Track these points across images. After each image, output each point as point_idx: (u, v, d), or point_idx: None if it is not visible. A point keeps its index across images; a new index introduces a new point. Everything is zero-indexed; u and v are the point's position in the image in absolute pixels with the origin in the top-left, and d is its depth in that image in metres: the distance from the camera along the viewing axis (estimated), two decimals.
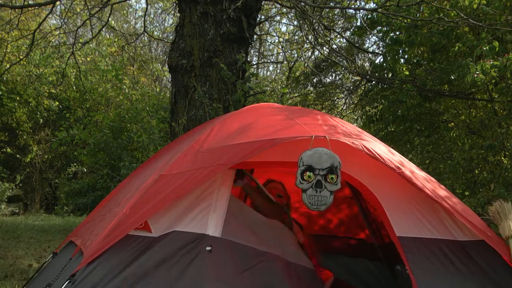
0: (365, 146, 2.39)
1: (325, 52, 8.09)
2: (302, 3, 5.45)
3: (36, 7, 8.33)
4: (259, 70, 13.69)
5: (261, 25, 10.25)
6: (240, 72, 5.13)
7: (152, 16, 13.20)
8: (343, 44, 9.60)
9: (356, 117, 11.12)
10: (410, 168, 2.53)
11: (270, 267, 2.42)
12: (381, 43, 8.20)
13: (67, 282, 2.05)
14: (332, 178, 2.28)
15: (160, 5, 13.13)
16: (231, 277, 2.30)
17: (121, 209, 2.29)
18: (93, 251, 2.12)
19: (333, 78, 10.49)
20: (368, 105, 8.08)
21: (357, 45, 8.58)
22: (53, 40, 10.83)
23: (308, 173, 2.27)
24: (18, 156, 11.92)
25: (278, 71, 14.28)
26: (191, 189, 2.27)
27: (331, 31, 7.75)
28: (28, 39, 8.96)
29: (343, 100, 10.26)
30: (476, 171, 6.10)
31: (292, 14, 9.16)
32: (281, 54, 12.27)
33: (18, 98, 11.33)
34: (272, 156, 2.56)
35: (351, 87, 9.75)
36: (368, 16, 6.60)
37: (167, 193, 2.24)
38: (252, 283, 2.34)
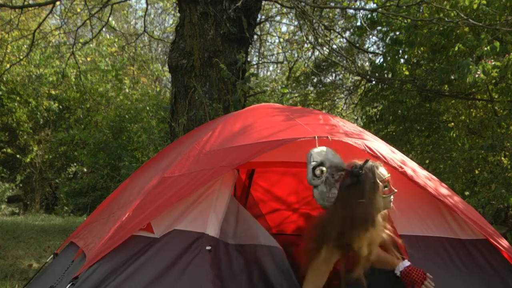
0: (367, 146, 2.40)
1: (325, 52, 8.09)
2: (302, 3, 5.45)
3: (36, 7, 8.33)
4: (259, 70, 13.69)
5: (261, 25, 10.25)
6: (240, 72, 5.13)
7: (152, 16, 13.19)
8: (343, 44, 9.60)
9: (356, 117, 11.12)
10: (412, 167, 2.54)
11: (263, 271, 2.43)
12: (381, 43, 8.22)
13: (69, 285, 2.05)
14: (340, 175, 2.26)
15: (160, 5, 13.13)
16: (228, 279, 2.31)
17: (124, 212, 2.29)
18: (96, 254, 2.13)
19: (333, 78, 10.50)
20: (368, 105, 8.08)
21: (357, 45, 8.58)
22: (53, 40, 10.85)
23: (321, 167, 2.25)
24: (18, 156, 11.91)
25: (278, 71, 14.28)
26: (194, 191, 2.27)
27: (331, 31, 7.76)
28: (28, 39, 8.96)
29: (343, 100, 10.26)
30: (476, 171, 6.11)
31: (292, 14, 9.17)
32: (281, 54, 12.27)
33: (18, 98, 11.32)
34: (273, 156, 2.57)
35: (351, 87, 9.75)
36: (368, 16, 6.60)
37: (170, 195, 2.25)
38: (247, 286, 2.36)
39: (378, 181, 2.23)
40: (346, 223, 2.18)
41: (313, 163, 2.23)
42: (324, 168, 2.22)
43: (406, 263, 2.34)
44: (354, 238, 2.18)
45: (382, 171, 2.27)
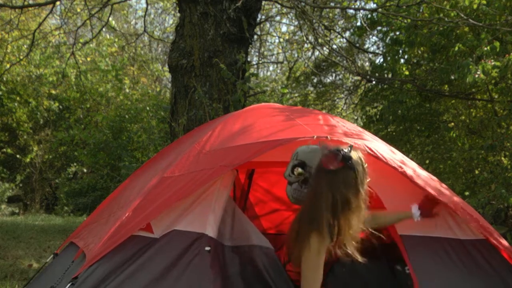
0: (367, 146, 2.40)
1: (325, 52, 8.10)
2: (302, 3, 5.45)
3: (36, 7, 8.33)
4: (259, 70, 13.69)
5: (261, 25, 10.25)
6: (240, 72, 5.13)
7: (152, 16, 13.19)
8: (343, 44, 9.60)
9: (356, 117, 11.12)
10: (412, 167, 2.54)
11: (257, 271, 2.43)
12: (381, 43, 8.22)
13: (69, 285, 2.06)
14: None
15: (160, 5, 13.12)
16: (226, 280, 2.31)
17: (124, 212, 2.29)
18: (95, 254, 2.13)
19: (333, 78, 10.50)
20: (368, 105, 8.09)
21: (357, 45, 8.58)
22: (53, 40, 10.85)
23: (299, 169, 2.28)
24: (18, 156, 11.91)
25: (278, 71, 14.28)
26: (193, 191, 2.26)
27: (331, 31, 7.76)
28: (28, 39, 8.97)
29: (343, 100, 10.26)
30: (476, 171, 6.11)
31: (292, 14, 9.17)
32: (281, 54, 12.27)
33: (18, 98, 11.32)
34: (273, 156, 2.56)
35: (351, 87, 9.75)
36: (368, 16, 6.61)
37: (170, 195, 2.24)
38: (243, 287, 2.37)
39: (365, 166, 2.20)
40: (337, 207, 2.12)
41: (295, 162, 2.26)
42: (301, 170, 2.25)
43: (415, 205, 2.39)
44: (343, 221, 2.14)
45: (362, 157, 2.26)
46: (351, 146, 2.19)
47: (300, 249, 2.16)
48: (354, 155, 2.18)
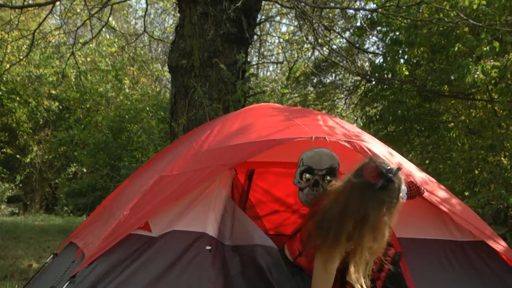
0: (363, 148, 2.40)
1: (325, 53, 8.10)
2: (302, 4, 5.46)
3: (36, 7, 8.33)
4: (259, 70, 13.68)
5: (261, 25, 10.25)
6: (240, 72, 5.14)
7: (152, 16, 13.18)
8: (343, 45, 9.60)
9: (356, 118, 11.12)
10: (408, 170, 2.54)
11: (259, 271, 2.43)
12: (381, 43, 8.22)
13: (67, 283, 2.05)
14: (330, 180, 2.31)
15: (160, 5, 13.12)
16: (226, 279, 2.32)
17: (122, 212, 2.29)
18: (93, 252, 2.13)
19: (333, 78, 10.49)
20: (368, 105, 8.08)
21: (357, 45, 8.58)
22: (53, 40, 10.85)
23: (307, 175, 2.31)
24: (18, 156, 11.92)
25: (278, 71, 14.27)
26: (191, 190, 2.27)
27: (331, 31, 7.77)
28: (28, 39, 8.96)
29: (343, 100, 10.26)
30: (476, 172, 6.10)
31: (292, 14, 9.17)
32: (281, 54, 12.27)
33: (18, 98, 11.32)
34: (272, 156, 2.57)
35: (351, 87, 9.75)
36: (368, 17, 6.61)
37: (168, 194, 2.25)
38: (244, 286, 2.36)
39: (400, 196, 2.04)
40: (358, 225, 2.01)
41: (302, 168, 2.29)
42: (310, 176, 2.27)
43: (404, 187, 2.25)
44: (359, 241, 2.05)
45: (404, 187, 2.09)
46: (399, 169, 2.02)
47: (321, 253, 2.12)
48: (397, 180, 2.01)
